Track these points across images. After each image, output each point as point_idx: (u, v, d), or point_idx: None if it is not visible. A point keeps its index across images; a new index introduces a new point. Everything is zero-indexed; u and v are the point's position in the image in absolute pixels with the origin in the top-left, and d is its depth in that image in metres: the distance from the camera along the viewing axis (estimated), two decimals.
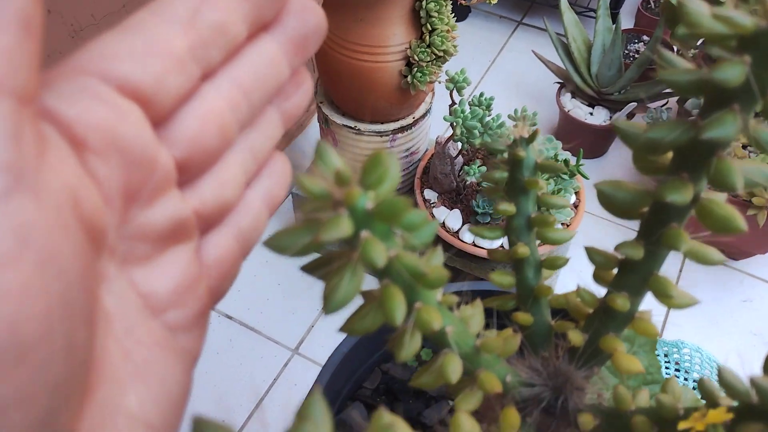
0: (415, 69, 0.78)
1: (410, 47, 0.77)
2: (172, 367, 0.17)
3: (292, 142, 1.17)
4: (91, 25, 0.70)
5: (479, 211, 0.82)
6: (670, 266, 0.94)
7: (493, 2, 0.71)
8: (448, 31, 0.76)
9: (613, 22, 1.01)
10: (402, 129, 0.87)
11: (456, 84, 0.74)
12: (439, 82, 0.81)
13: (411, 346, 0.21)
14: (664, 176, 0.21)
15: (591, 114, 1.07)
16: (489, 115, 0.77)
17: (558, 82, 1.11)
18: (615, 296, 0.22)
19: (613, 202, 0.21)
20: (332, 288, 0.18)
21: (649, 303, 0.24)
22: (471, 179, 0.83)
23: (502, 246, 0.81)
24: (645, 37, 1.19)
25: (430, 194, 0.88)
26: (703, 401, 0.22)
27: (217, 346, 0.93)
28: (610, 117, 1.05)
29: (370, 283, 0.17)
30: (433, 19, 0.75)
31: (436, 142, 0.83)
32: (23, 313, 0.11)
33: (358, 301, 0.20)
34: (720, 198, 0.21)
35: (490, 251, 0.27)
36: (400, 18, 0.75)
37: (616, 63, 1.01)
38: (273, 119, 0.20)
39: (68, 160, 0.13)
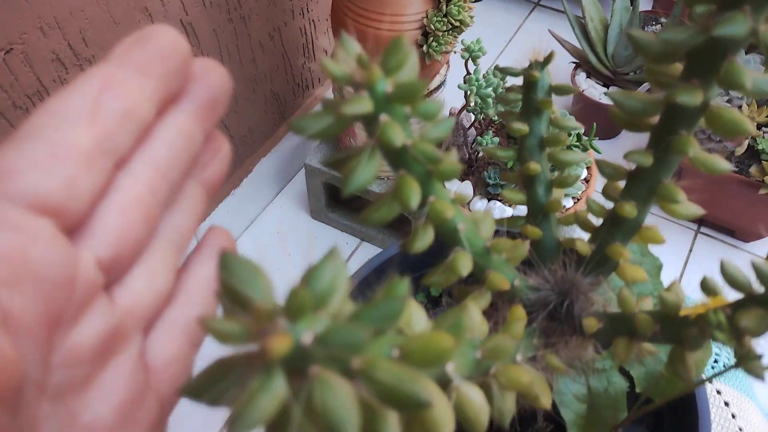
0: (431, 38, 0.79)
1: (426, 16, 0.78)
2: None
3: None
4: None
5: (491, 182, 0.83)
6: (678, 251, 0.95)
7: None
8: (465, 1, 0.77)
9: (632, 3, 1.01)
10: None
11: (471, 53, 0.74)
12: (455, 53, 0.81)
13: (424, 239, 0.22)
14: (676, 83, 0.22)
15: (605, 95, 1.07)
16: (503, 86, 0.77)
17: (573, 62, 1.11)
18: (623, 203, 0.23)
19: (625, 108, 0.22)
20: (350, 169, 0.19)
21: None
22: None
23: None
24: (663, 19, 1.19)
25: None
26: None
27: None
28: None
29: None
30: None
31: (450, 113, 0.84)
32: None
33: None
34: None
35: (502, 173, 0.28)
36: None
37: None
38: (194, 193, 0.18)
39: None
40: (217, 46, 0.84)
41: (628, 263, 0.24)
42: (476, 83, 0.74)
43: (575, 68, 1.11)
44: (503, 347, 0.19)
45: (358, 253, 0.92)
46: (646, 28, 1.17)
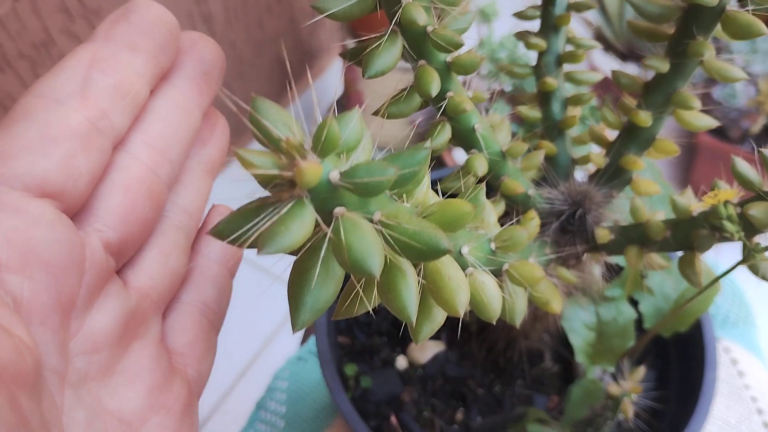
0: None
1: None
2: None
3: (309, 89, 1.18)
4: None
5: None
6: None
7: None
8: None
9: None
10: None
11: (485, 15, 0.74)
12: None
13: (443, 135, 0.22)
14: None
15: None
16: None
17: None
18: (638, 112, 0.23)
19: (644, 14, 0.22)
20: (372, 54, 0.19)
21: None
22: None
23: None
24: None
25: None
26: None
27: None
28: None
29: None
30: None
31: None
32: None
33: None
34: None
35: (518, 94, 0.28)
36: None
37: None
38: (197, 171, 0.18)
39: None
40: (224, 4, 0.83)
41: (641, 178, 0.24)
42: (490, 47, 0.74)
43: None
44: (517, 238, 0.20)
45: None
46: None
